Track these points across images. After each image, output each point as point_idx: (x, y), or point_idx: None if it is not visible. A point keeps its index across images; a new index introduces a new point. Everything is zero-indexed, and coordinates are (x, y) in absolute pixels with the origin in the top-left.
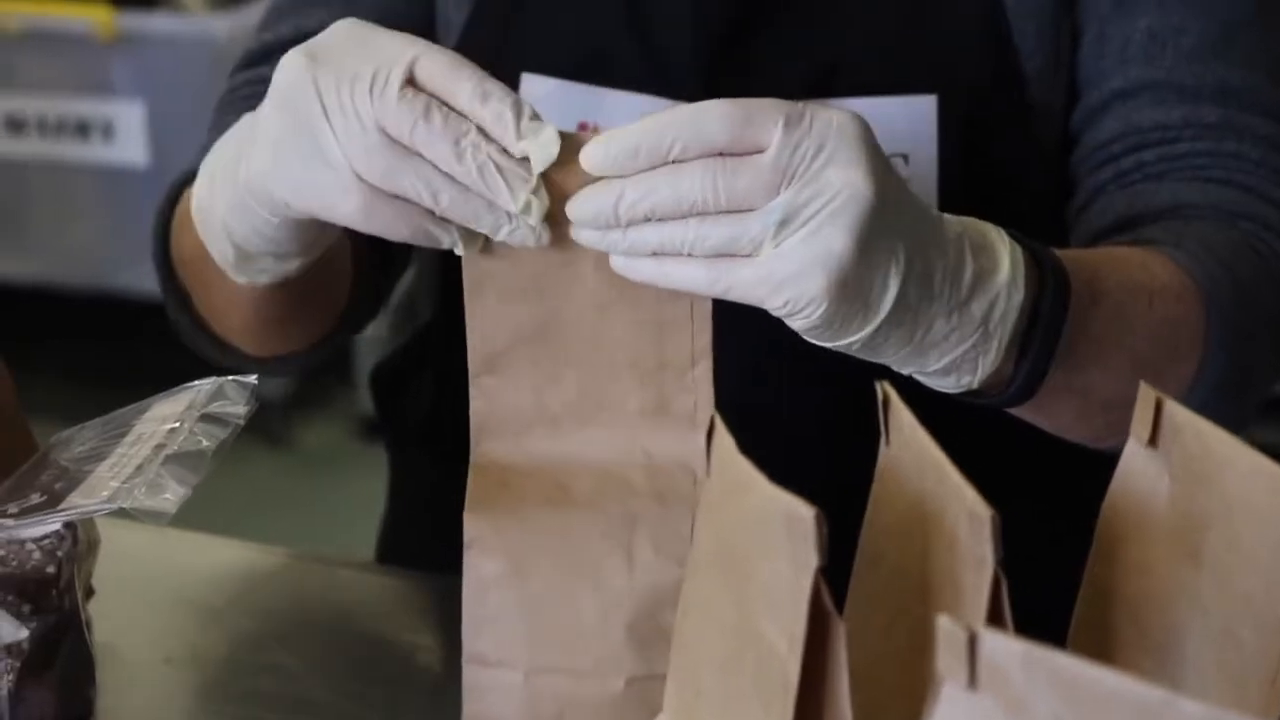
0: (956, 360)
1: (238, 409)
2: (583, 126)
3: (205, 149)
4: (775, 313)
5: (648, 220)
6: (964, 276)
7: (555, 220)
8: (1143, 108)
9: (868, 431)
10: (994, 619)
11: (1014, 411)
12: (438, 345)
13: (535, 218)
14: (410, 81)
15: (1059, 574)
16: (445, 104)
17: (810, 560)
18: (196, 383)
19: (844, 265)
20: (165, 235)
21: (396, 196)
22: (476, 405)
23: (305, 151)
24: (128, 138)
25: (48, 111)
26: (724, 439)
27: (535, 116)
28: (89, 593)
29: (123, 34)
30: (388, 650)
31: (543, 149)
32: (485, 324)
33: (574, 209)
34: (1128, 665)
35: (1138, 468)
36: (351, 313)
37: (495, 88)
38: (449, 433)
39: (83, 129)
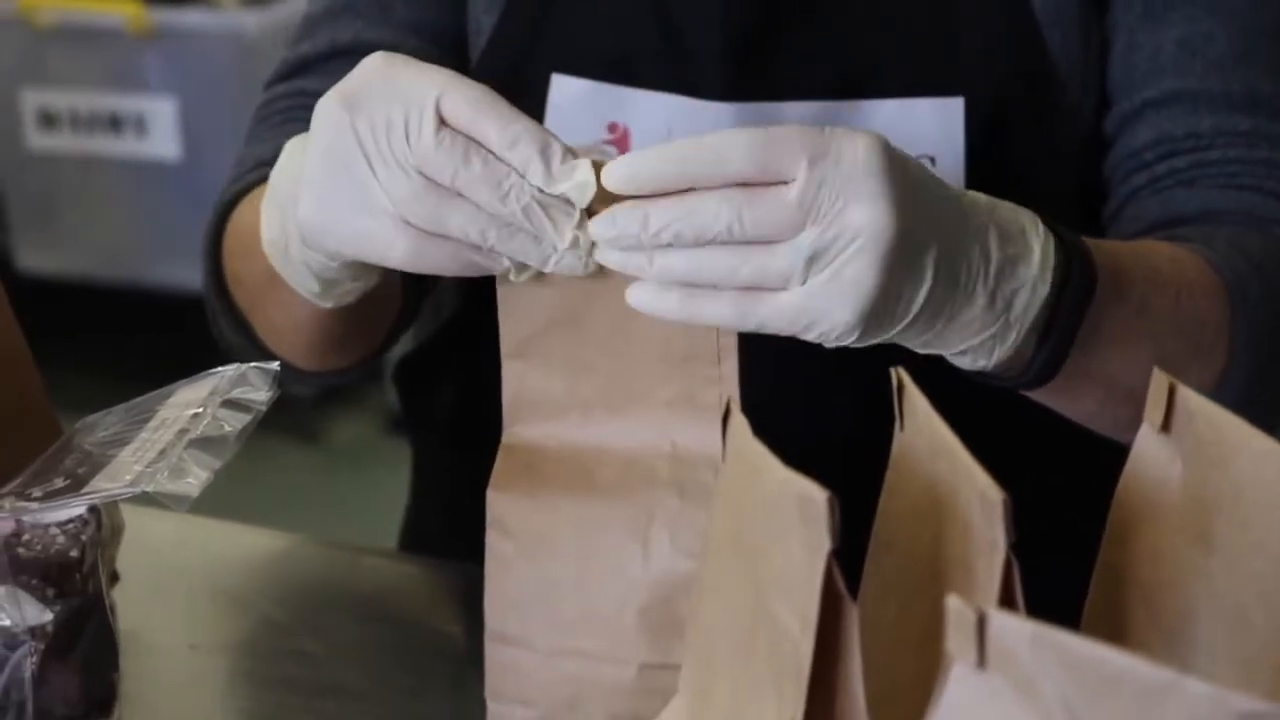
0: (974, 345)
1: (260, 395)
2: (612, 127)
3: (238, 162)
4: (805, 339)
5: (670, 246)
6: (990, 267)
7: (561, 302)
8: (1175, 117)
9: (883, 417)
10: (1006, 602)
11: (1036, 396)
12: (461, 340)
13: (584, 251)
14: (443, 121)
15: (1072, 558)
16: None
17: (823, 543)
18: (220, 369)
19: (873, 297)
20: (217, 257)
21: (445, 237)
22: (509, 388)
23: (352, 200)
24: (160, 132)
25: (80, 106)
26: (739, 423)
27: (568, 154)
28: (113, 578)
29: (155, 29)
30: (412, 636)
31: (580, 190)
32: (518, 308)
33: (598, 228)
34: (1140, 648)
35: (1151, 452)
36: (397, 324)
37: (522, 130)
38: (472, 426)
39: (115, 123)
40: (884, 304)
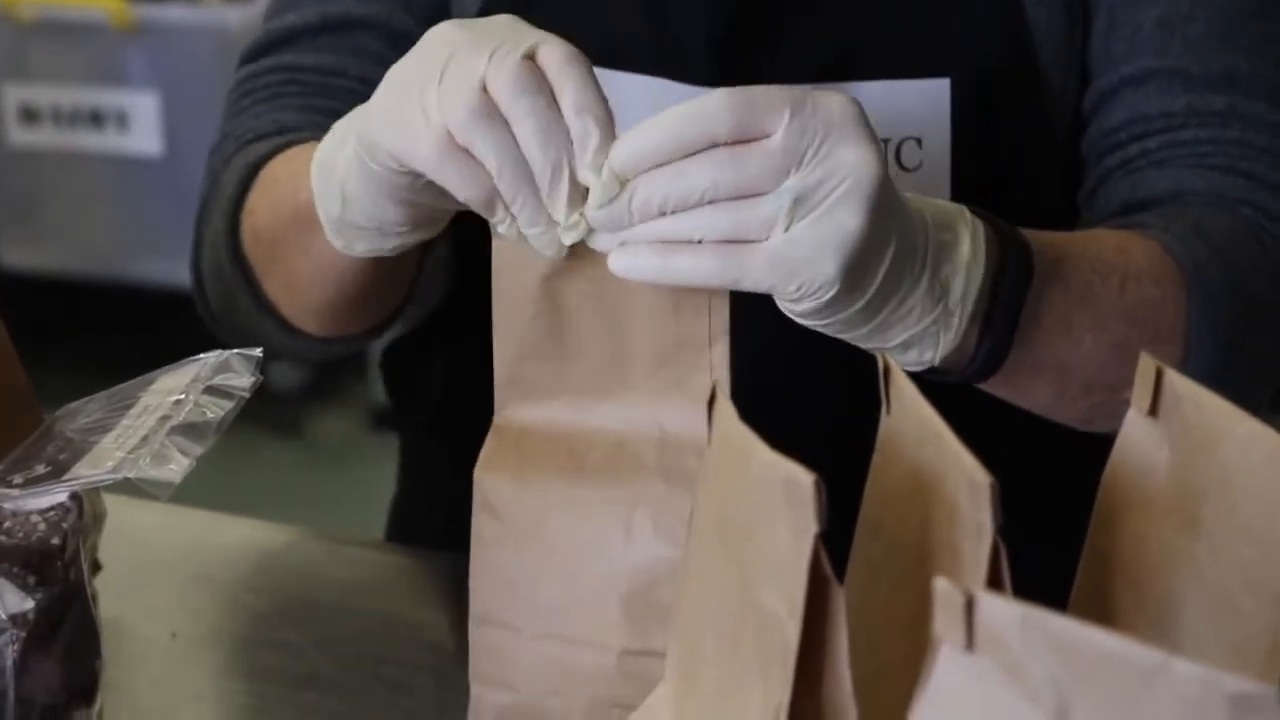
0: (917, 335)
1: (243, 381)
2: None
3: (225, 136)
4: (783, 298)
5: (660, 215)
6: (928, 252)
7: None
8: (1149, 96)
9: (869, 400)
10: (993, 586)
11: (989, 389)
12: (449, 327)
13: (572, 238)
14: (533, 60)
15: (1059, 543)
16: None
17: (809, 526)
18: (202, 355)
19: (856, 245)
20: (236, 216)
21: (467, 154)
22: (500, 371)
23: (411, 93)
24: (142, 128)
25: (62, 101)
26: (725, 406)
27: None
28: (95, 567)
29: (137, 24)
30: (395, 627)
31: (604, 188)
32: (511, 291)
33: (593, 213)
34: (1127, 632)
35: (1138, 437)
36: (406, 297)
37: (594, 104)
38: (460, 414)
39: (97, 119)
40: (864, 256)
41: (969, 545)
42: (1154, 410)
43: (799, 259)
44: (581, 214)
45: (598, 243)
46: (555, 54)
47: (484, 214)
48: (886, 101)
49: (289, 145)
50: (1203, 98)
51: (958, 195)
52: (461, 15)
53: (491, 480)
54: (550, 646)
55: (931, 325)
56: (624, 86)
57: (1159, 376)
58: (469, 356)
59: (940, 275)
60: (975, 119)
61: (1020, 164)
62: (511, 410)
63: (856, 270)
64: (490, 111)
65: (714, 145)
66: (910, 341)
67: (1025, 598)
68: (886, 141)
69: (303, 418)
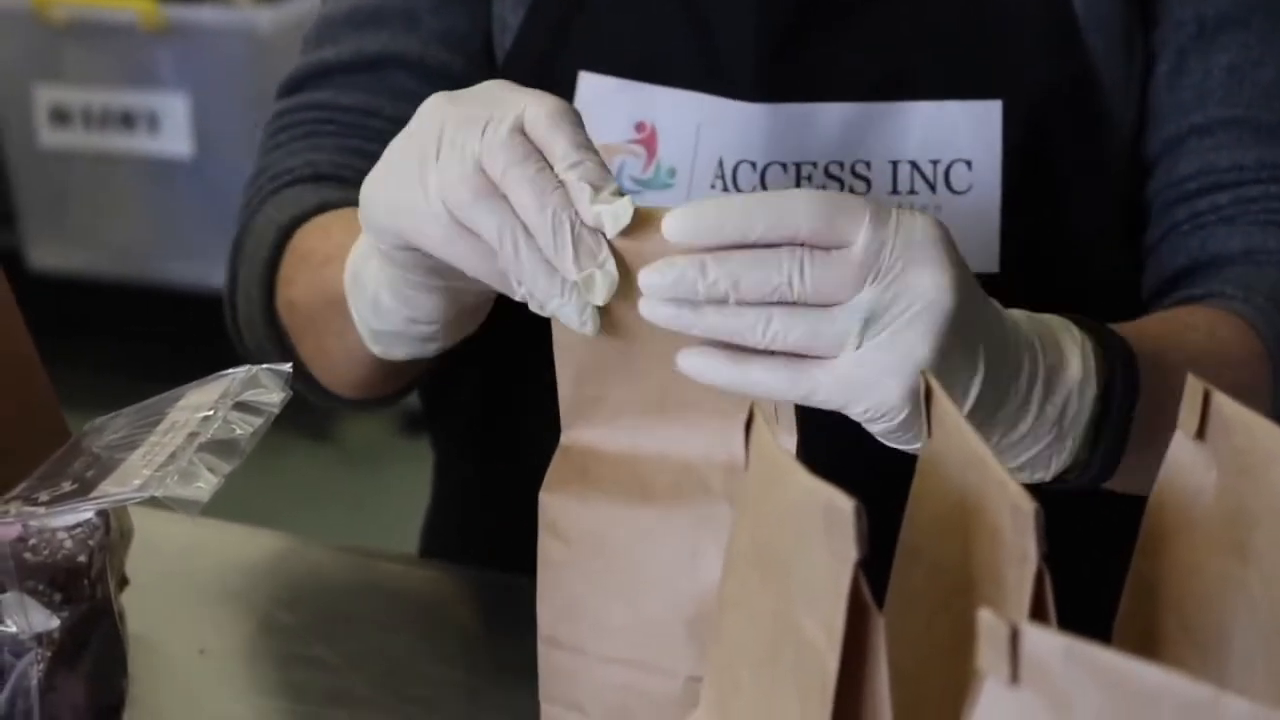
0: (1031, 459)
1: (272, 397)
2: (639, 126)
3: (261, 171)
4: (855, 417)
5: (724, 302)
6: (1038, 378)
7: (621, 294)
8: (1219, 146)
9: None
10: (1037, 614)
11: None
12: (486, 341)
13: (599, 295)
14: (522, 131)
15: (1103, 569)
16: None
17: (849, 553)
18: (230, 370)
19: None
20: (270, 280)
21: (475, 235)
22: (564, 391)
23: (410, 176)
24: (172, 129)
25: (92, 103)
26: (762, 431)
27: (620, 192)
28: (122, 583)
29: (168, 25)
30: (427, 643)
31: (615, 216)
32: None
33: (648, 278)
34: (1173, 661)
35: (1185, 460)
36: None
37: (587, 157)
38: (497, 429)
39: (127, 120)
40: (942, 379)
41: (1012, 572)
42: (1201, 433)
43: (865, 382)
44: (598, 267)
45: (655, 312)
46: (540, 115)
47: (500, 288)
48: (937, 122)
49: (322, 205)
50: (1272, 150)
51: (1007, 219)
52: (502, 42)
53: (558, 502)
54: (618, 670)
55: (1045, 450)
56: (667, 102)
57: (1206, 399)
58: (506, 373)
59: (1051, 401)
60: (1026, 142)
61: (1071, 193)
62: (577, 431)
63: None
64: (489, 190)
65: (789, 242)
66: (1024, 465)
67: (1068, 625)
68: (935, 163)
69: (333, 422)
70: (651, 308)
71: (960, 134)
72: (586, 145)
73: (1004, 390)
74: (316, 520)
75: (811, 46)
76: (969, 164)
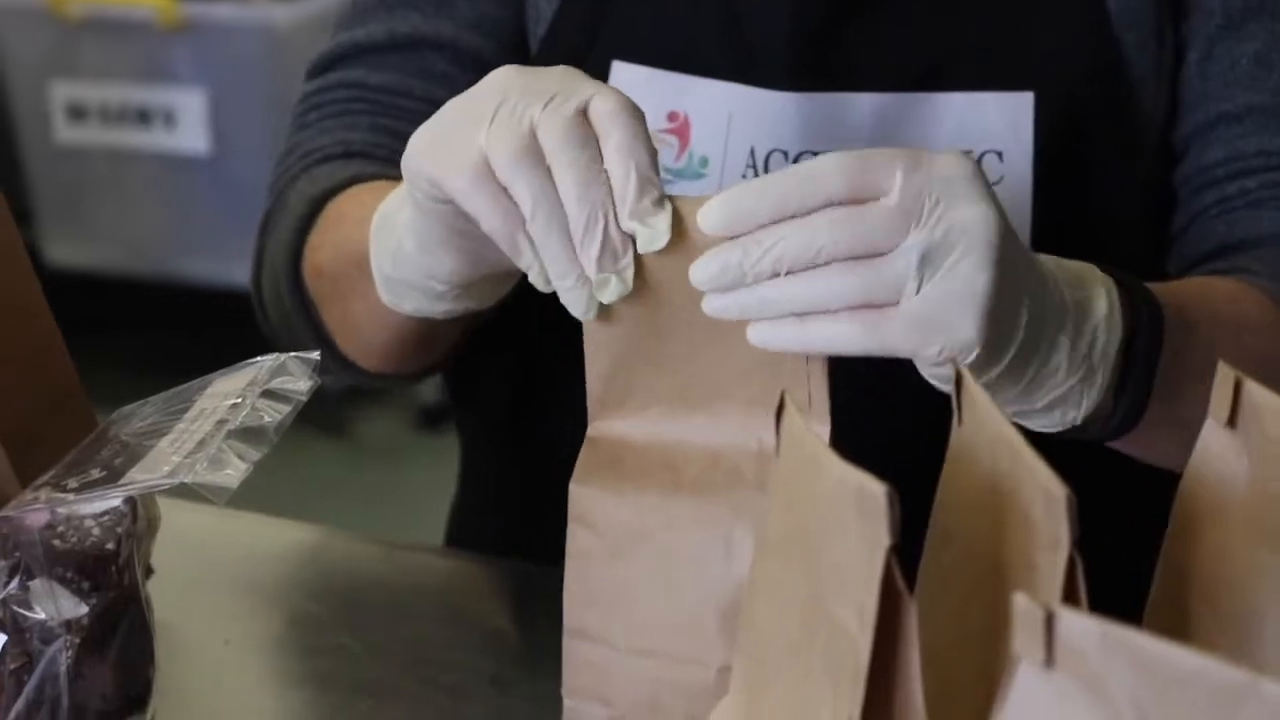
0: (1063, 395)
1: (300, 385)
2: (672, 116)
3: (291, 150)
4: (927, 362)
5: (774, 276)
6: (1068, 310)
7: (654, 285)
8: (1247, 134)
9: (939, 410)
10: (1069, 599)
11: (1119, 446)
12: (515, 330)
13: (608, 296)
14: (584, 114)
15: (1134, 555)
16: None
17: (882, 538)
18: (259, 359)
19: (989, 300)
20: (298, 247)
21: (505, 193)
22: (593, 381)
23: (461, 126)
24: (189, 125)
25: (109, 99)
26: (794, 417)
27: (660, 202)
28: (149, 572)
29: (185, 21)
30: (454, 632)
31: (651, 235)
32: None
33: (698, 272)
34: (1204, 647)
35: (1216, 447)
36: (459, 341)
37: (641, 158)
38: (524, 419)
39: (144, 116)
40: (999, 309)
41: (1044, 558)
42: (1232, 421)
43: (936, 321)
44: (617, 273)
45: (714, 306)
46: (607, 105)
47: (508, 252)
48: (969, 114)
49: (355, 179)
50: None
51: (1039, 211)
52: (536, 30)
53: (589, 493)
54: (648, 662)
55: (1076, 384)
56: (700, 92)
57: (1238, 387)
58: (534, 362)
59: (1083, 331)
60: (1059, 135)
61: (1102, 183)
62: (605, 422)
63: (993, 328)
64: (535, 156)
65: (827, 206)
66: (1054, 403)
67: (1099, 610)
68: (967, 154)
69: (350, 418)
70: (710, 302)
71: (992, 125)
72: (645, 143)
73: (1043, 322)
74: (333, 515)
75: (844, 36)
76: (1000, 155)
